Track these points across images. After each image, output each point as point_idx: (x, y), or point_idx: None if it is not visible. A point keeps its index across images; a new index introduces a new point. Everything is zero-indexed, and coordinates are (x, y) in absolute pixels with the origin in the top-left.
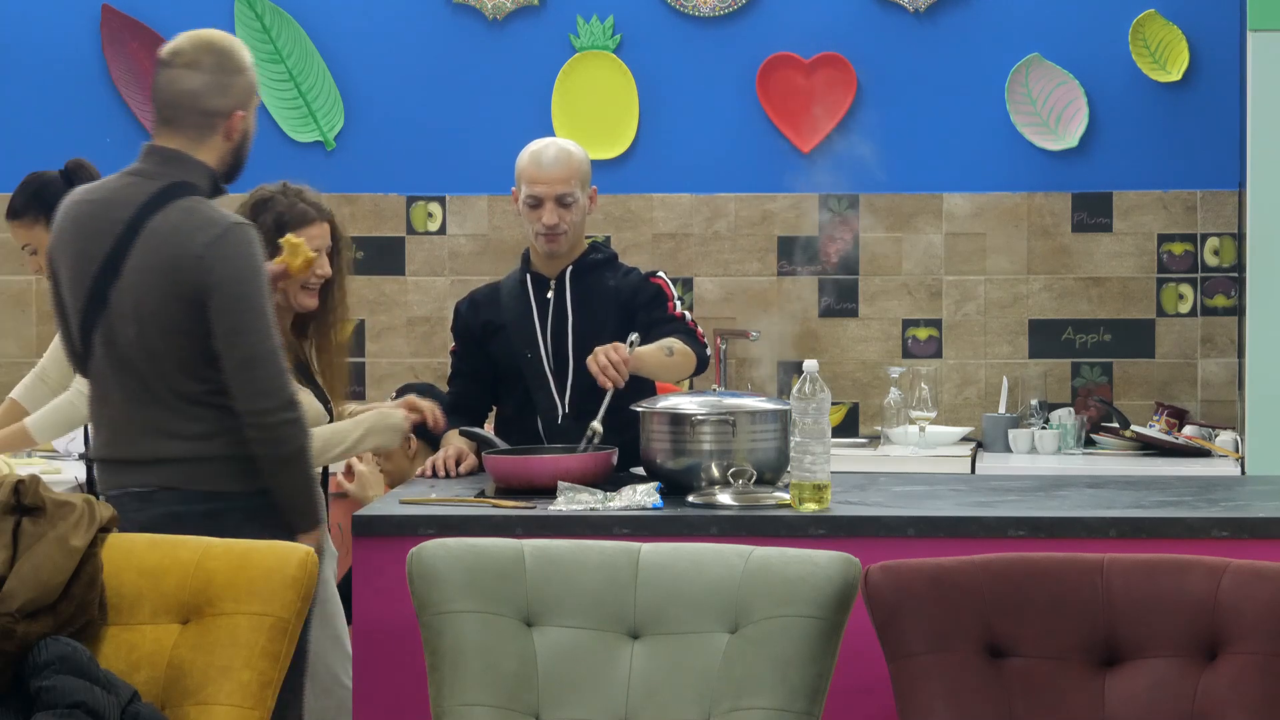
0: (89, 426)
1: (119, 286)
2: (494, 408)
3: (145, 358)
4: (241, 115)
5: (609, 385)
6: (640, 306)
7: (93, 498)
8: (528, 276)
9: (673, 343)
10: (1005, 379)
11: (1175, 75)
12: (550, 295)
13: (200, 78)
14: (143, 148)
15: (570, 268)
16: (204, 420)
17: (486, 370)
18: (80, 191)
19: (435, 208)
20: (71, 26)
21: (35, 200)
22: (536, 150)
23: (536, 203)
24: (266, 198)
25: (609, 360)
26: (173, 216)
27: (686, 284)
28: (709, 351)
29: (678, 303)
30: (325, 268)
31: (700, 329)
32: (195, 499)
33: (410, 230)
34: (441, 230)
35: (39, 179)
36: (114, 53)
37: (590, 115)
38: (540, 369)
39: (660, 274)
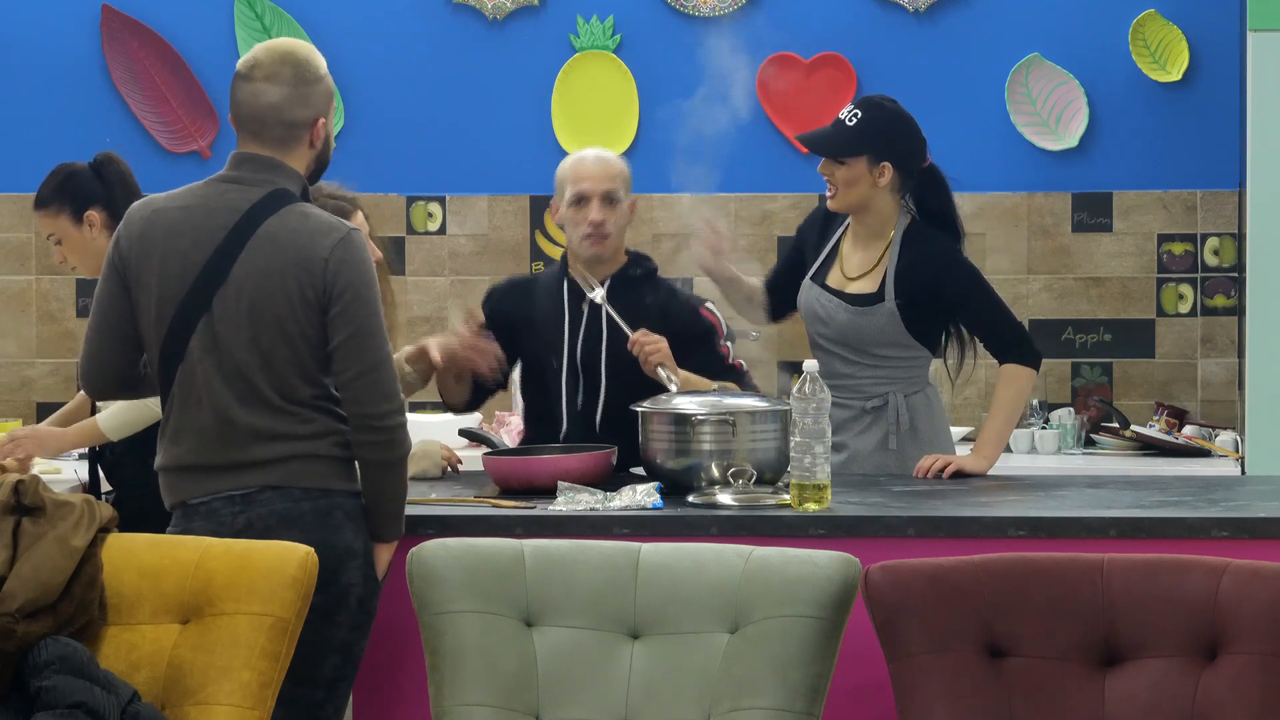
0: (163, 434)
1: (226, 291)
2: (503, 390)
3: (260, 363)
4: (323, 122)
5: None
6: (692, 342)
7: (93, 498)
8: (565, 282)
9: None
10: None
11: (1175, 75)
12: (585, 306)
13: (281, 90)
14: (233, 156)
15: (609, 281)
16: (311, 422)
17: (506, 358)
18: (161, 199)
19: (435, 208)
20: (71, 26)
21: (61, 190)
22: (578, 155)
23: (582, 199)
24: None
25: (645, 345)
26: (290, 220)
27: (686, 284)
28: None
29: (729, 344)
30: (377, 251)
31: (749, 376)
32: (303, 497)
33: (410, 230)
34: (441, 230)
35: (66, 169)
36: (114, 53)
37: (590, 115)
38: (559, 380)
39: (709, 304)
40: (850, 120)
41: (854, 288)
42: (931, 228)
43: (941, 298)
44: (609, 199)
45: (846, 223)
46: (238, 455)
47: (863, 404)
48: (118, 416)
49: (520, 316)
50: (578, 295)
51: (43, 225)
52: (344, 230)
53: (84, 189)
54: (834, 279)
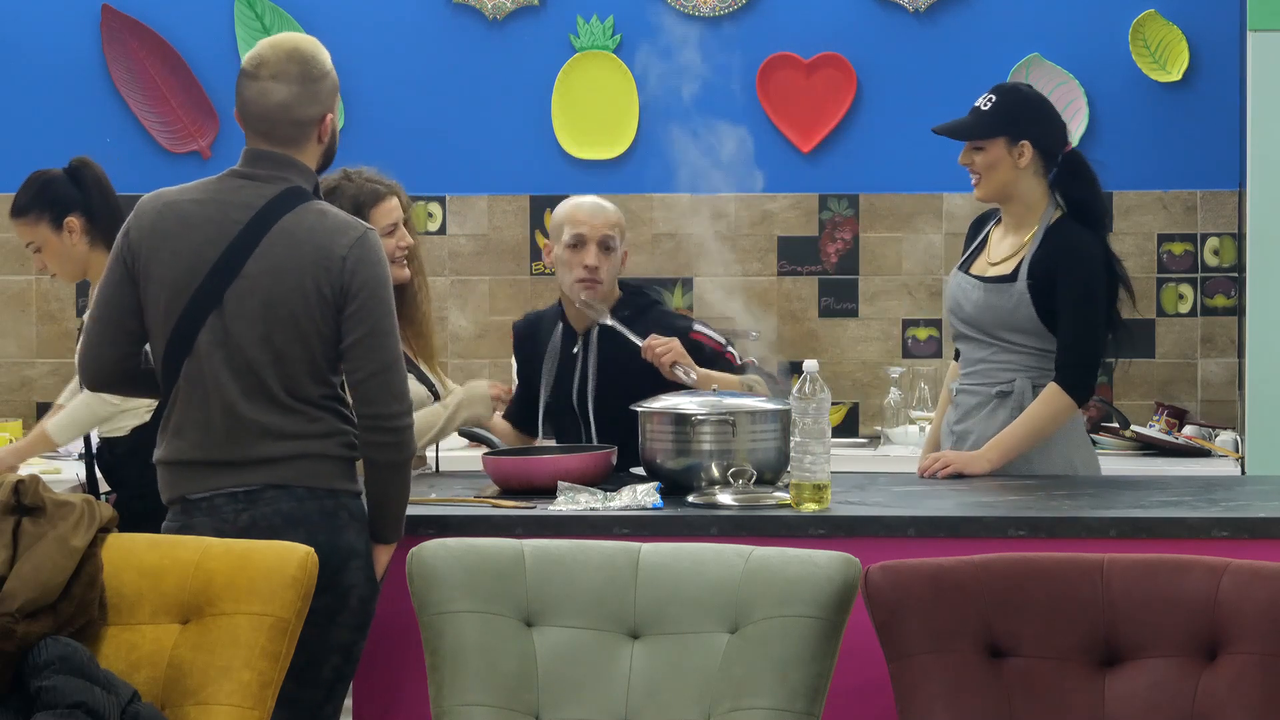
0: (165, 427)
1: (239, 286)
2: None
3: (271, 360)
4: (331, 117)
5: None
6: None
7: (93, 498)
8: (560, 326)
9: (755, 381)
10: None
11: (1175, 75)
12: (576, 350)
13: (289, 89)
14: (245, 151)
15: (598, 326)
16: (318, 421)
17: (530, 391)
18: (173, 192)
19: (435, 208)
20: (71, 26)
21: (39, 198)
22: (576, 200)
23: (579, 242)
24: (332, 187)
25: (658, 349)
26: (307, 218)
27: (686, 284)
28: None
29: (732, 349)
30: (408, 238)
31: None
32: (308, 496)
33: None
34: (441, 230)
35: (43, 177)
36: (114, 53)
37: (590, 115)
38: (538, 417)
39: (697, 326)
40: (986, 105)
41: (993, 271)
42: (1080, 225)
43: (1055, 289)
44: (605, 245)
45: (997, 217)
46: (243, 451)
47: (990, 389)
48: (64, 419)
49: (532, 356)
50: (570, 340)
51: (21, 234)
52: (361, 229)
53: (62, 195)
54: (978, 266)
